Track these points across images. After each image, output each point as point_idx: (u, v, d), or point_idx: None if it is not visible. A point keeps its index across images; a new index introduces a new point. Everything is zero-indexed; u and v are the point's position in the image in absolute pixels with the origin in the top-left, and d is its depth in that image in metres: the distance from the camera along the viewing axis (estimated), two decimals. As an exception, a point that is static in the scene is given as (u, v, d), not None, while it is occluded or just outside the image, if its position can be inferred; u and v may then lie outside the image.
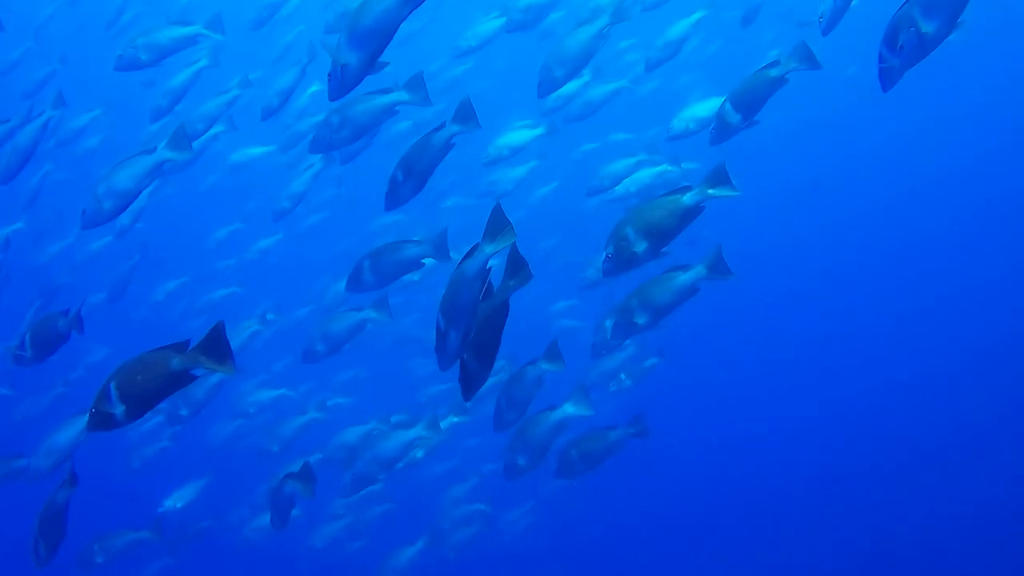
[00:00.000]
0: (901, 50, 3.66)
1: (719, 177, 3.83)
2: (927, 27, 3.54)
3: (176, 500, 8.34)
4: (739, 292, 17.13)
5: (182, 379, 3.52)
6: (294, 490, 5.94)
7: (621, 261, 3.97)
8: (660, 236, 3.90)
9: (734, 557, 12.71)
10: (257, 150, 9.23)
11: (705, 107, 6.30)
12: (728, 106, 4.85)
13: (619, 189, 7.06)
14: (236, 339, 8.09)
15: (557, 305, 11.56)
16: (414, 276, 6.68)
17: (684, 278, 4.22)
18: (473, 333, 3.32)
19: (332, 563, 9.52)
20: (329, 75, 3.85)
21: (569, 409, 4.98)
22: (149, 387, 3.50)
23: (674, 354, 7.62)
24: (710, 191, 3.81)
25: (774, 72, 4.69)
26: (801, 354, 17.18)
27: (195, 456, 9.44)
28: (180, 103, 7.40)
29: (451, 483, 9.60)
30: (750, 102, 4.84)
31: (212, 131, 7.43)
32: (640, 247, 3.91)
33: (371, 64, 3.75)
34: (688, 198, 3.86)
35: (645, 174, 6.90)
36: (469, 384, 3.51)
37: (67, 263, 11.18)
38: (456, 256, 5.45)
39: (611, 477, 6.27)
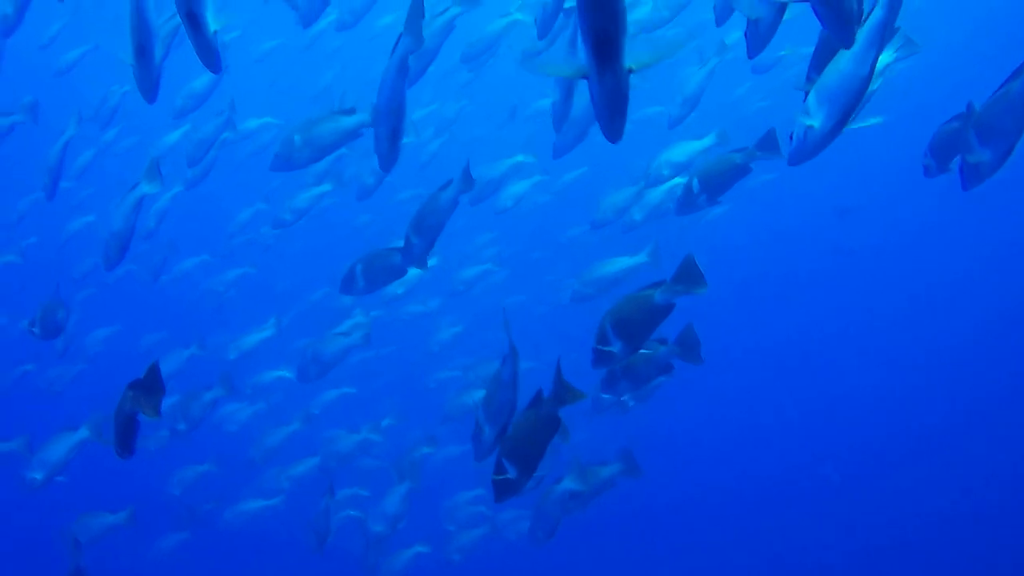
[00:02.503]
0: (956, 171, 3.69)
1: (688, 272, 3.78)
2: (982, 156, 3.49)
3: (176, 486, 8.38)
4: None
5: (133, 420, 4.06)
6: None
7: (602, 357, 4.05)
8: (635, 335, 3.96)
9: (735, 556, 12.57)
10: (254, 122, 9.15)
11: (682, 151, 6.10)
12: (695, 182, 4.90)
13: (626, 218, 6.96)
14: (249, 340, 8.59)
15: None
16: (398, 289, 6.80)
17: (660, 353, 4.29)
18: (518, 441, 3.59)
19: (338, 556, 9.47)
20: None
21: (569, 484, 5.15)
22: (118, 425, 4.10)
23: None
24: (678, 288, 3.79)
25: (739, 159, 4.73)
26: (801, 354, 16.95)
27: (207, 439, 9.46)
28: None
29: (459, 474, 9.57)
30: (716, 184, 4.89)
31: (220, 138, 7.62)
32: (616, 346, 3.97)
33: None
34: (658, 296, 3.85)
35: (654, 195, 6.65)
36: (505, 490, 3.68)
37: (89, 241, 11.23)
38: (433, 264, 5.52)
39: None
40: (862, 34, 2.82)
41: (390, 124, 3.94)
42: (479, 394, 8.49)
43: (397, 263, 5.33)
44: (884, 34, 2.83)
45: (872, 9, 2.82)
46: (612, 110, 2.38)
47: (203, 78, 7.27)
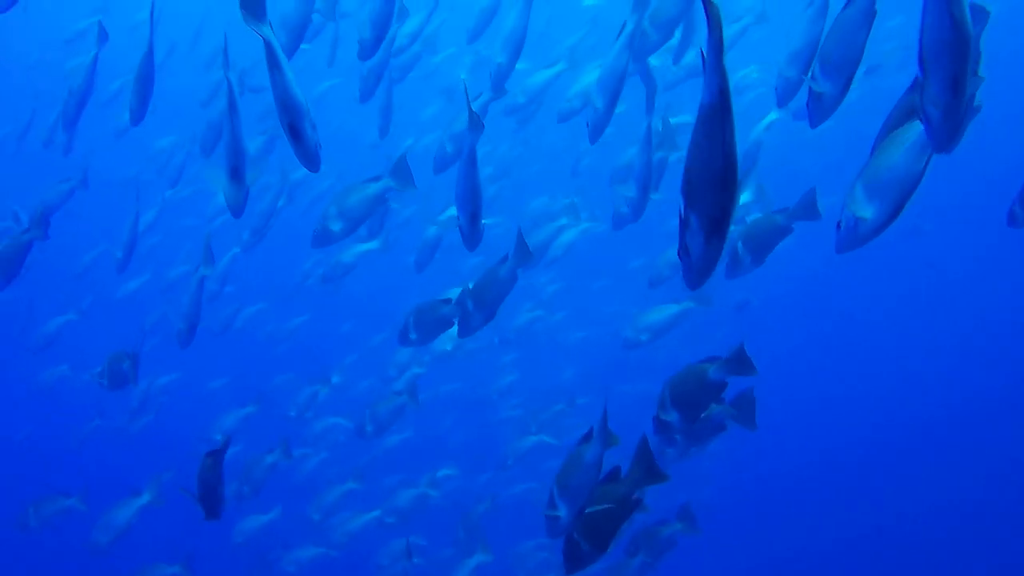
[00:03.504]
0: None
1: (739, 360, 3.88)
2: None
3: (239, 535, 8.42)
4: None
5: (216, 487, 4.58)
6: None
7: (661, 426, 4.15)
8: (691, 407, 4.05)
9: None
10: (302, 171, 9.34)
11: None
12: (740, 245, 4.94)
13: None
14: (301, 396, 8.84)
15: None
16: (447, 346, 6.84)
17: (714, 414, 4.29)
18: (595, 520, 3.57)
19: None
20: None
21: (641, 558, 5.24)
22: (202, 492, 4.58)
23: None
24: (730, 369, 3.90)
25: (780, 220, 4.77)
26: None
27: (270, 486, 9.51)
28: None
29: (523, 509, 9.54)
30: (760, 246, 4.92)
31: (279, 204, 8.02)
32: (672, 416, 4.07)
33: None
34: (712, 373, 3.96)
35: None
36: (576, 563, 3.68)
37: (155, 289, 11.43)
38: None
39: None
40: (922, 132, 2.77)
41: (468, 209, 4.21)
42: (536, 439, 8.49)
43: (447, 314, 5.35)
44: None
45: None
46: (704, 271, 2.43)
47: (257, 141, 7.44)
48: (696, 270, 2.40)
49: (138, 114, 5.66)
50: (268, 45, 3.35)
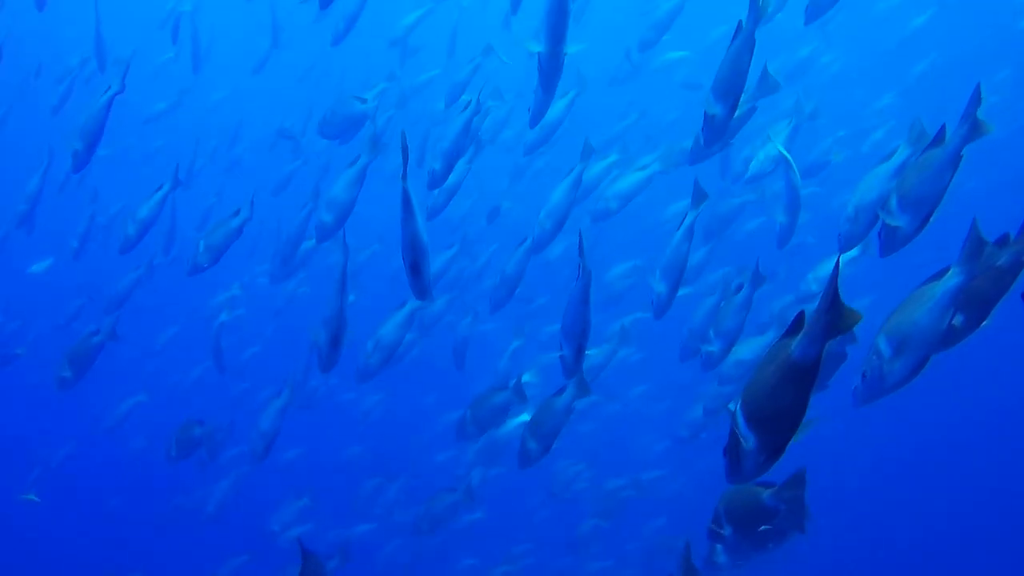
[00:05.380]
0: None
1: (793, 486, 3.80)
2: None
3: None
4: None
5: None
6: None
7: (715, 537, 4.14)
8: (745, 525, 4.01)
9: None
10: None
11: None
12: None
13: None
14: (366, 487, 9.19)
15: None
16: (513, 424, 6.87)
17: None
18: None
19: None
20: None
21: None
22: None
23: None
24: (783, 496, 3.82)
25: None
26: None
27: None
28: None
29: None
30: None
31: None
32: (726, 530, 4.04)
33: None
34: (766, 498, 3.88)
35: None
36: None
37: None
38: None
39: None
40: (944, 293, 2.95)
41: (575, 343, 4.38)
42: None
43: (502, 402, 5.67)
44: (961, 298, 2.93)
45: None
46: (751, 478, 2.63)
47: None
48: (745, 476, 2.57)
49: (203, 269, 6.31)
50: (406, 194, 3.77)
